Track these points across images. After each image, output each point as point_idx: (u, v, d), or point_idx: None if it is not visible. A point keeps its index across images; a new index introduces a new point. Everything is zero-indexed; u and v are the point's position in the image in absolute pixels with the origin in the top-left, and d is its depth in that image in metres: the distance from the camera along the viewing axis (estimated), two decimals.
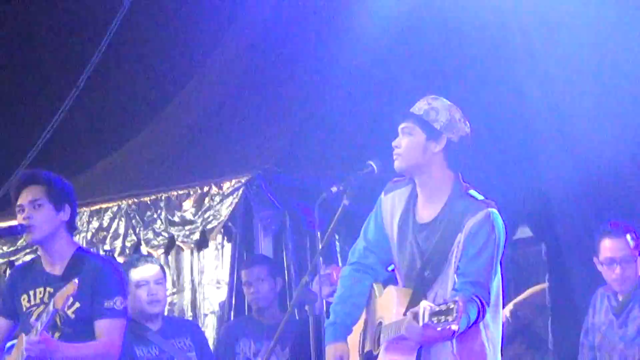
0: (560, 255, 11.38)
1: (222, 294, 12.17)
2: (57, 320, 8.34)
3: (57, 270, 8.53)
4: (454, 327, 6.92)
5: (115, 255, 12.57)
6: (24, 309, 8.60)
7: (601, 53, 11.46)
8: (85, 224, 12.69)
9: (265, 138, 12.83)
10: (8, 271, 12.79)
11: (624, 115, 11.41)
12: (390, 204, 7.77)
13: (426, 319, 6.87)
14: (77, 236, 11.93)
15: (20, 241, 13.12)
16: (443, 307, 6.83)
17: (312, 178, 11.54)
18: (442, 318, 6.84)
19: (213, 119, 13.53)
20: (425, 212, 7.59)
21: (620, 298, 9.33)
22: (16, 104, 16.70)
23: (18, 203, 8.40)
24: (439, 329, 6.91)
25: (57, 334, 8.08)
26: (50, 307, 8.15)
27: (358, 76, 12.77)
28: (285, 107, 13.06)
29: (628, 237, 9.27)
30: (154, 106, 15.37)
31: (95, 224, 12.74)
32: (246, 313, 11.29)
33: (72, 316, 8.35)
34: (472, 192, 7.56)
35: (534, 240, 11.88)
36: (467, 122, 7.62)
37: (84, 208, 12.39)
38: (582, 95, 11.48)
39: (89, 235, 12.58)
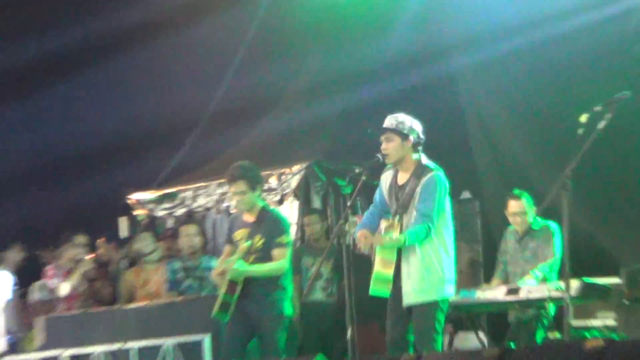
0: (486, 209, 12.48)
1: (293, 230, 12.60)
2: (252, 250, 9.97)
3: (252, 219, 10.14)
4: (394, 234, 8.79)
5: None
6: (234, 240, 10.21)
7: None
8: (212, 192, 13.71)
9: (316, 139, 13.84)
10: (169, 221, 13.90)
11: (533, 128, 12.20)
12: (384, 179, 9.21)
13: (384, 234, 8.82)
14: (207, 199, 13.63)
15: (177, 201, 14.09)
16: (389, 223, 8.87)
17: (344, 163, 12.33)
18: (387, 229, 8.80)
19: (286, 128, 14.30)
20: (402, 179, 9.08)
21: (520, 234, 10.57)
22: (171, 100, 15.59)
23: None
24: (386, 237, 8.77)
25: (252, 258, 9.84)
26: (248, 243, 9.98)
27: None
28: (328, 119, 13.92)
29: (524, 200, 10.54)
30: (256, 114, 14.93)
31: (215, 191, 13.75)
32: (306, 242, 12.56)
33: (260, 247, 9.98)
34: (428, 163, 9.03)
35: (471, 200, 12.64)
36: (419, 125, 9.08)
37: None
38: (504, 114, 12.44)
39: (212, 200, 13.77)
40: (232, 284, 9.97)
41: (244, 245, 9.99)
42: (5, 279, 13.04)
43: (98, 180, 14.85)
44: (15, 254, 13.33)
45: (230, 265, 9.98)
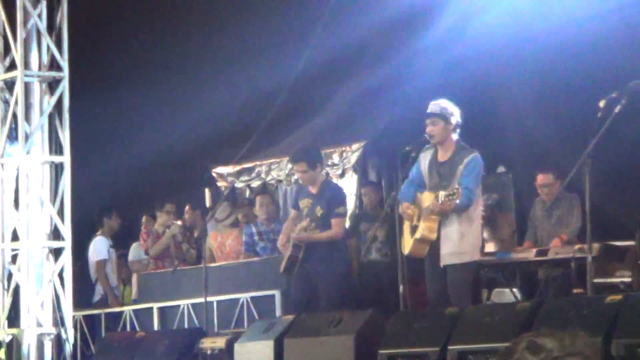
0: (519, 181, 11.88)
1: (352, 200, 12.86)
2: (313, 218, 10.25)
3: (314, 190, 10.43)
4: (457, 200, 8.80)
5: None
6: (299, 208, 10.56)
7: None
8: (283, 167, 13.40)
9: (372, 123, 13.44)
10: (247, 191, 13.74)
11: (558, 111, 11.70)
12: (423, 157, 9.33)
13: (442, 198, 8.85)
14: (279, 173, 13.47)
15: (253, 174, 13.79)
16: (451, 191, 8.80)
17: (394, 144, 11.55)
18: (451, 197, 8.77)
19: (348, 110, 13.77)
20: (442, 157, 9.23)
21: (547, 204, 10.47)
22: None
23: None
24: (448, 202, 8.84)
25: (313, 225, 10.08)
26: (314, 213, 10.29)
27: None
28: (382, 106, 13.30)
29: (551, 174, 10.43)
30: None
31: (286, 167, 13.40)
32: (363, 210, 12.35)
33: (320, 217, 10.25)
34: (466, 145, 9.26)
35: (506, 173, 12.17)
36: (458, 109, 9.29)
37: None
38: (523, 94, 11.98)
39: (284, 174, 13.48)
40: (296, 247, 10.12)
41: (304, 223, 10.21)
42: (102, 243, 13.26)
43: (189, 156, 14.75)
44: (113, 220, 13.57)
45: (298, 231, 10.19)
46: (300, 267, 10.27)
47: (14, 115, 11.69)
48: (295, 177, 13.06)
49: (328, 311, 9.84)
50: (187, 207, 13.43)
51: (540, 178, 10.44)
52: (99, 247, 13.23)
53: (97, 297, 13.34)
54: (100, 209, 13.64)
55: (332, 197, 10.50)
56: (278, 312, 10.96)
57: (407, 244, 9.38)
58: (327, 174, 12.04)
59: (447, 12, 12.47)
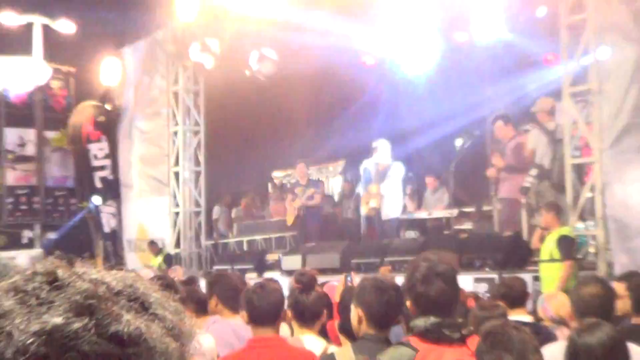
0: (419, 179, 10.10)
1: (339, 188, 11.86)
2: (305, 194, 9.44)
3: (304, 182, 9.44)
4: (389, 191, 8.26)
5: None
6: (296, 192, 9.54)
7: None
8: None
9: (348, 147, 11.09)
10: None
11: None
12: (370, 165, 8.68)
13: (381, 191, 8.30)
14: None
15: (287, 177, 12.30)
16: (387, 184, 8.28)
17: (358, 160, 10.13)
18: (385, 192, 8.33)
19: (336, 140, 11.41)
20: (381, 166, 8.47)
21: (432, 190, 9.39)
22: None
23: None
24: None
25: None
26: (305, 193, 9.48)
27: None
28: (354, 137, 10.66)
29: (433, 178, 9.40)
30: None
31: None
32: (345, 193, 10.94)
33: (310, 194, 9.41)
34: (393, 159, 8.46)
35: (414, 177, 9.93)
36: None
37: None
38: None
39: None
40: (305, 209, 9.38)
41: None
42: (217, 209, 11.80)
43: (259, 164, 12.76)
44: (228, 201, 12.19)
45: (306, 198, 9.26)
46: (301, 220, 9.64)
47: (178, 148, 11.50)
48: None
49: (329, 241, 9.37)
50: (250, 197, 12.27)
51: (428, 179, 9.85)
52: (215, 212, 12.25)
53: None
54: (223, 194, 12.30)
55: (316, 185, 9.88)
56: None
57: (364, 209, 9.23)
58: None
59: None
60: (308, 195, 9.68)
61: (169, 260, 10.66)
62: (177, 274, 8.34)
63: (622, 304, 3.27)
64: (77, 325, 0.56)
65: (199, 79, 11.54)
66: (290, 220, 10.00)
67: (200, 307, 3.46)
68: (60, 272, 0.61)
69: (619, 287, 3.33)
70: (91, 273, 0.64)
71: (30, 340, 0.54)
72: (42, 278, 0.60)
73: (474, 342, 2.14)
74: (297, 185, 10.12)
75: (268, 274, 8.38)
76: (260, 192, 12.82)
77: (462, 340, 2.17)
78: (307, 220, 9.85)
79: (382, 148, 9.01)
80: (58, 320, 0.56)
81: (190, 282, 5.44)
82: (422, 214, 9.60)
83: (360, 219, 9.90)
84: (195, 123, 11.74)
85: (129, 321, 0.58)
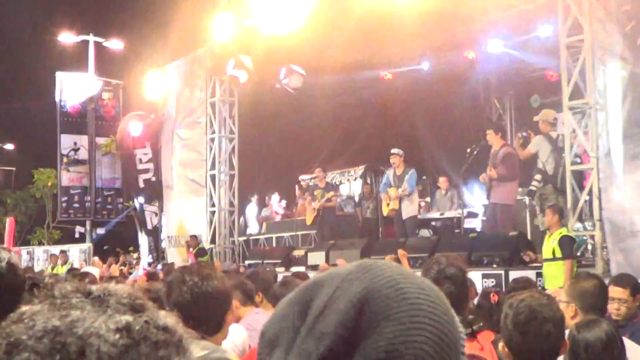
0: (431, 183, 10.54)
1: (359, 191, 11.83)
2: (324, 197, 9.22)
3: (323, 185, 9.34)
4: (407, 193, 8.02)
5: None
6: (315, 194, 9.39)
7: None
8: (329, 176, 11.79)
9: (368, 154, 11.87)
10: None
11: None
12: (389, 172, 8.51)
13: (400, 192, 8.06)
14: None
15: (312, 180, 11.44)
16: (404, 189, 8.06)
17: (378, 166, 11.23)
18: (404, 191, 7.99)
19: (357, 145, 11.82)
20: (398, 172, 8.31)
21: (443, 192, 9.35)
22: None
23: None
24: (403, 194, 8.01)
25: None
26: (324, 196, 9.25)
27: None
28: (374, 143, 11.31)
29: (444, 177, 9.44)
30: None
31: (329, 175, 12.02)
32: (365, 195, 11.01)
33: (329, 197, 9.22)
34: (408, 165, 8.31)
35: (426, 179, 10.62)
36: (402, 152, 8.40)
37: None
38: None
39: (329, 178, 11.29)
40: (319, 211, 9.11)
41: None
42: (251, 208, 12.13)
43: (287, 169, 12.84)
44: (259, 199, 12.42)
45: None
46: (319, 220, 9.55)
47: (214, 154, 11.33)
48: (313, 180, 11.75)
49: (347, 239, 9.42)
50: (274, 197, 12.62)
51: (441, 179, 9.59)
52: (248, 211, 12.36)
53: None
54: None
55: (333, 189, 9.79)
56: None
57: (385, 210, 8.99)
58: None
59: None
60: (327, 198, 9.60)
61: (202, 252, 10.58)
62: (216, 266, 8.35)
63: (626, 309, 3.03)
64: (141, 319, 0.58)
65: (234, 91, 11.58)
66: (309, 220, 9.87)
67: (247, 297, 3.39)
68: (92, 288, 0.61)
69: (620, 292, 3.05)
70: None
71: (117, 337, 0.55)
72: (79, 294, 0.59)
73: (484, 337, 2.16)
74: (315, 188, 10.01)
75: (294, 269, 8.34)
76: (287, 194, 12.83)
77: (473, 336, 2.15)
78: (324, 220, 9.74)
79: (398, 154, 8.96)
80: (128, 317, 0.57)
81: (235, 273, 5.55)
82: (434, 214, 9.59)
83: (379, 219, 10.11)
84: (230, 131, 11.76)
85: (165, 315, 0.60)
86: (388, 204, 8.83)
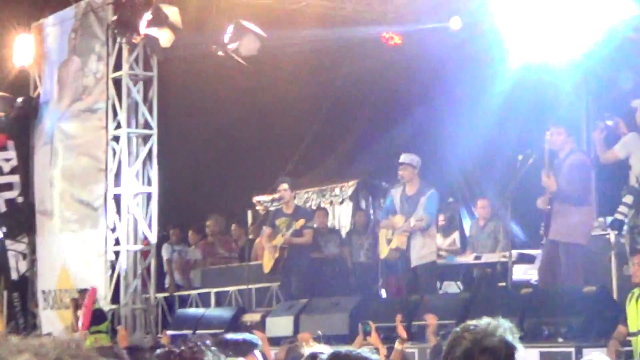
0: (463, 207, 11.18)
1: (348, 220, 12.24)
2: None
3: (290, 211, 9.74)
4: (424, 224, 8.69)
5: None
6: (276, 225, 9.74)
7: None
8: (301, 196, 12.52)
9: (363, 166, 12.45)
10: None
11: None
12: (395, 191, 9.10)
13: (414, 222, 8.71)
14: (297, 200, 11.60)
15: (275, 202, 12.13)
16: (420, 218, 8.66)
17: (380, 179, 11.78)
18: (420, 221, 8.69)
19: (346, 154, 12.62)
20: (410, 191, 8.94)
21: (482, 223, 9.90)
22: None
23: None
24: (418, 225, 8.69)
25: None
26: (292, 226, 9.59)
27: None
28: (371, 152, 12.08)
29: (486, 200, 10.02)
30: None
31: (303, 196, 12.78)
32: (356, 227, 11.43)
33: (298, 228, 9.59)
34: (425, 183, 8.97)
35: (455, 202, 11.19)
36: (420, 160, 9.01)
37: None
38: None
39: (302, 201, 12.41)
40: (283, 249, 9.63)
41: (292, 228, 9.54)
42: (167, 248, 12.35)
43: (235, 184, 13.26)
44: (174, 233, 12.63)
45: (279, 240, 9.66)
46: (283, 265, 9.78)
47: (119, 160, 11.54)
48: (309, 204, 12.84)
49: (328, 296, 9.61)
50: (233, 226, 12.83)
51: (480, 203, 10.30)
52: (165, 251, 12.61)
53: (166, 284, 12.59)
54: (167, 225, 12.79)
55: (306, 215, 10.08)
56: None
57: (384, 251, 9.27)
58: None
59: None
60: (296, 229, 9.58)
61: (99, 318, 10.61)
62: (120, 338, 8.45)
63: None
64: None
65: (151, 62, 11.49)
66: (268, 265, 9.84)
67: None
68: None
69: None
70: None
71: None
72: None
73: None
74: (279, 215, 9.99)
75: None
76: (236, 222, 12.88)
77: None
78: (292, 265, 9.74)
79: (411, 164, 9.13)
80: None
81: (137, 353, 5.48)
82: (466, 258, 9.80)
83: (379, 264, 9.94)
84: (144, 124, 11.68)
85: None
86: (390, 240, 9.05)
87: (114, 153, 11.63)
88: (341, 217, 12.71)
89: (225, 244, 12.60)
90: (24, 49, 12.44)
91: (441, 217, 10.39)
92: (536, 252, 9.43)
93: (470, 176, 11.41)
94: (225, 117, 11.76)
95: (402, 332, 6.61)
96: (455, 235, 10.80)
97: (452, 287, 10.05)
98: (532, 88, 10.19)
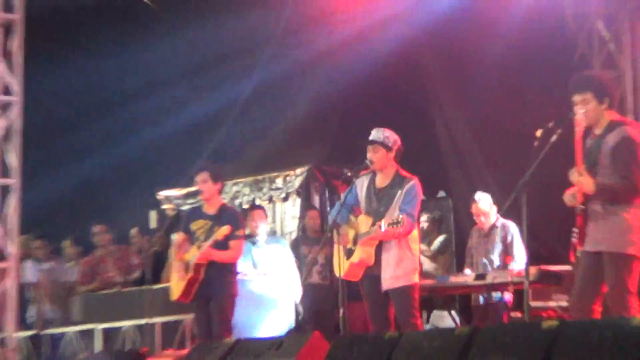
0: (457, 206, 12.05)
1: (294, 223, 13.14)
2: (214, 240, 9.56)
3: (213, 212, 9.72)
4: (401, 229, 8.31)
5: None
6: (191, 231, 9.80)
7: None
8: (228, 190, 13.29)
9: (317, 144, 13.50)
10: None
11: (495, 140, 11.96)
12: (360, 182, 8.93)
13: (385, 226, 8.27)
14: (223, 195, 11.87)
15: (190, 198, 13.61)
16: (394, 220, 8.31)
17: (338, 167, 12.18)
18: (394, 225, 8.25)
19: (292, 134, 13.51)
20: (381, 183, 8.87)
21: (484, 231, 10.40)
22: None
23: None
24: (392, 230, 8.32)
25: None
26: (212, 235, 9.54)
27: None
28: (326, 131, 13.28)
29: (482, 203, 10.42)
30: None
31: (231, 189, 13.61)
32: (305, 233, 12.11)
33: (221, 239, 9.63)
34: (405, 173, 8.85)
35: (446, 199, 12.30)
36: (399, 139, 8.97)
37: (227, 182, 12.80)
38: None
39: (228, 197, 13.30)
40: (198, 267, 9.62)
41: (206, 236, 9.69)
42: (30, 267, 12.96)
43: (132, 177, 14.65)
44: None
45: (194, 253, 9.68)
46: (199, 290, 9.83)
47: None
48: (239, 201, 13.50)
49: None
50: (134, 229, 13.23)
51: (474, 207, 10.48)
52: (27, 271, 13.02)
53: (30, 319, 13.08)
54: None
55: (232, 219, 10.02)
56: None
57: (342, 267, 8.97)
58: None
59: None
60: (217, 240, 9.53)
61: None
62: None
63: None
64: None
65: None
66: (177, 288, 9.70)
67: None
68: None
69: None
70: None
71: None
72: None
73: None
74: (195, 217, 9.98)
75: None
76: (136, 227, 13.39)
77: None
78: (211, 291, 9.62)
79: (384, 143, 8.92)
80: None
81: None
82: (464, 278, 9.75)
83: (341, 284, 9.48)
84: (3, 89, 11.67)
85: None
86: (351, 251, 8.91)
87: None
88: (285, 219, 13.10)
89: (120, 259, 12.81)
90: None
91: (424, 218, 10.76)
92: (564, 267, 9.42)
93: (470, 162, 11.85)
94: (118, 79, 13.77)
95: None
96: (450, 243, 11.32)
97: (445, 319, 10.19)
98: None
